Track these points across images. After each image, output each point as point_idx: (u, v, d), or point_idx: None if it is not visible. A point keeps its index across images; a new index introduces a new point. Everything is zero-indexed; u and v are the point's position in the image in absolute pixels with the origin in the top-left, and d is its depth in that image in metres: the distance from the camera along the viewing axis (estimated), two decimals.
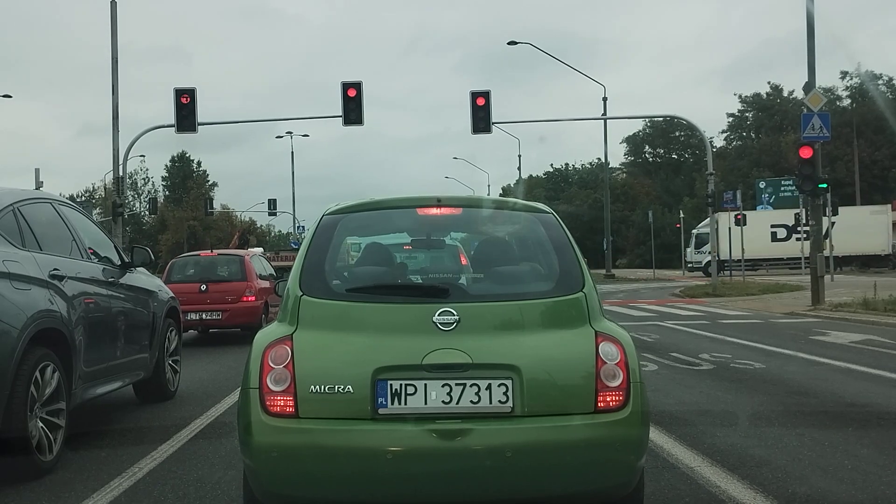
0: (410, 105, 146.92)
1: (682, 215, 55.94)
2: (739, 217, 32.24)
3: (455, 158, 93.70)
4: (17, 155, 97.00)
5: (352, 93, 23.49)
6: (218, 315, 13.89)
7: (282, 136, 54.34)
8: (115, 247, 7.30)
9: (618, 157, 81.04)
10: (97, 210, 67.23)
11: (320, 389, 3.27)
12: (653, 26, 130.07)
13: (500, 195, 45.42)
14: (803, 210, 34.83)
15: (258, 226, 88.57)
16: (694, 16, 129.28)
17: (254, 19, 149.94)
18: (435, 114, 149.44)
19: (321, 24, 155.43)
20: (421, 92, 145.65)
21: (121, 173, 24.70)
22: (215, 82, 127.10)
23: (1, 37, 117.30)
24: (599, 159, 59.58)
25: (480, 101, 24.67)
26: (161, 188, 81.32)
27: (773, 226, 43.18)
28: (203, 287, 13.95)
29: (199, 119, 23.61)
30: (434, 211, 4.04)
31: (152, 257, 7.62)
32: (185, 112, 23.22)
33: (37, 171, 34.01)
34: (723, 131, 73.09)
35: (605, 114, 32.65)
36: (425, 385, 3.26)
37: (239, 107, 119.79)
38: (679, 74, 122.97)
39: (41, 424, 5.09)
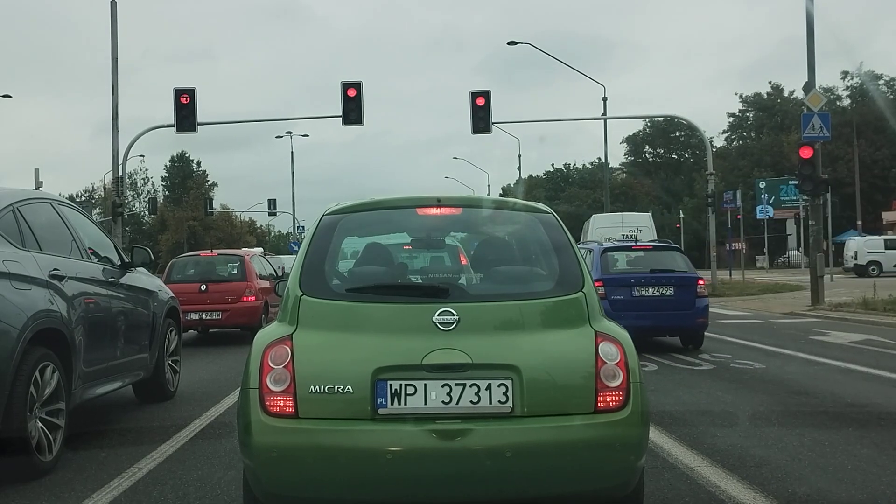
0: (422, 106, 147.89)
1: (681, 215, 55.99)
2: None
3: (455, 158, 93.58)
4: (17, 155, 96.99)
5: (352, 93, 23.45)
6: (218, 315, 13.88)
7: (281, 136, 54.22)
8: (114, 247, 7.29)
9: (618, 157, 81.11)
10: (97, 210, 67.16)
11: (320, 389, 3.26)
12: (661, 29, 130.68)
13: (500, 195, 45.40)
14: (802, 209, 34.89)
15: (258, 226, 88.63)
16: (699, 18, 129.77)
17: (280, 19, 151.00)
18: (443, 116, 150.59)
19: (346, 25, 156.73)
20: (433, 93, 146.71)
21: (120, 173, 24.68)
22: (238, 83, 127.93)
23: (2, 36, 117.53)
24: (600, 159, 59.55)
25: (480, 101, 24.64)
26: (161, 188, 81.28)
27: None
28: (203, 287, 13.94)
29: (200, 119, 23.61)
30: (434, 211, 4.03)
31: (152, 257, 7.61)
32: (185, 112, 23.20)
33: (36, 171, 34.02)
34: (723, 131, 73.06)
35: (605, 114, 32.58)
36: (425, 385, 3.26)
37: (258, 107, 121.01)
38: (684, 76, 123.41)
39: (41, 424, 5.08)
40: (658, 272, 11.43)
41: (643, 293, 11.17)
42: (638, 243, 14.04)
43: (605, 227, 23.01)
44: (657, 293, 11.19)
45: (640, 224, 24.32)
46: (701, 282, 11.46)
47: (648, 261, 11.91)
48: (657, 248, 12.89)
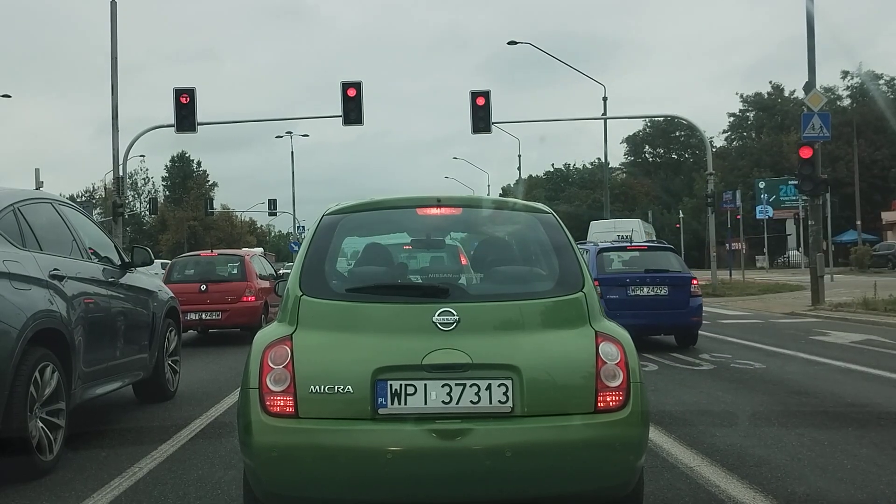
0: (423, 106, 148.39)
1: (681, 215, 55.99)
2: None
3: (455, 158, 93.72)
4: (17, 155, 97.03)
5: (351, 93, 23.45)
6: (218, 315, 13.88)
7: (281, 136, 54.25)
8: (115, 247, 7.29)
9: (618, 157, 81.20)
10: (97, 210, 67.12)
11: (320, 389, 3.26)
12: (662, 29, 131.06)
13: (500, 195, 45.36)
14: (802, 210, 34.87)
15: (258, 226, 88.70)
16: (700, 18, 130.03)
17: (282, 20, 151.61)
18: (444, 116, 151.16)
19: (349, 25, 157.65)
20: (434, 93, 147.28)
21: (121, 173, 24.69)
22: (240, 83, 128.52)
23: (4, 36, 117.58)
24: (599, 159, 59.58)
25: (480, 101, 24.64)
26: (161, 188, 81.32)
27: None
28: (203, 287, 13.94)
29: (200, 119, 23.61)
30: (434, 211, 4.04)
31: (152, 257, 7.61)
32: (185, 112, 23.21)
33: (37, 171, 34.03)
34: (724, 131, 73.10)
35: (605, 114, 32.56)
36: (425, 385, 3.26)
37: (259, 107, 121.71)
38: (685, 76, 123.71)
39: (41, 424, 5.08)
40: (653, 272, 11.73)
41: (638, 292, 11.50)
42: (633, 244, 15.01)
43: (600, 231, 27.89)
44: (652, 292, 11.52)
45: (631, 227, 28.50)
46: (695, 281, 11.85)
47: (643, 261, 12.26)
48: (652, 248, 13.24)
